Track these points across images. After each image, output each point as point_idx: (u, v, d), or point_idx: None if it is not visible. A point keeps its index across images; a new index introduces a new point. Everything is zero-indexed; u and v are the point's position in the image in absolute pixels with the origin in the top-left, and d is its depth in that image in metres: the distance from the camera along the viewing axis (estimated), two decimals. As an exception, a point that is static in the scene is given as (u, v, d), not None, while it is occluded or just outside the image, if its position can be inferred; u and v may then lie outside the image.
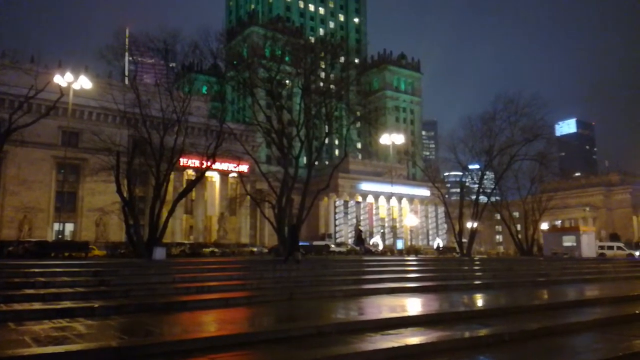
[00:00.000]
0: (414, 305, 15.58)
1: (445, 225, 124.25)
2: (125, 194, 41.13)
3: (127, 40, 58.01)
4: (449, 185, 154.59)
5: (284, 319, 12.87)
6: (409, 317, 12.85)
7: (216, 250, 64.77)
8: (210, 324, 11.99)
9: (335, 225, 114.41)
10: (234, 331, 10.57)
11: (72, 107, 57.32)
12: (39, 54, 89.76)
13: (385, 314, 13.35)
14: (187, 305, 14.13)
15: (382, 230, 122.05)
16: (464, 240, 66.93)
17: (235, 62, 54.02)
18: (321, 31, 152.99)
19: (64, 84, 47.91)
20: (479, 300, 17.52)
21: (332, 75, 54.66)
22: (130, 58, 58.47)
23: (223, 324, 11.89)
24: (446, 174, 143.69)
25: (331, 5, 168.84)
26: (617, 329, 12.44)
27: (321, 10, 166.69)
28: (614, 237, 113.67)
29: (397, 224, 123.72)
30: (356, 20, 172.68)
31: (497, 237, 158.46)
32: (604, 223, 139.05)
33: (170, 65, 50.33)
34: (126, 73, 74.00)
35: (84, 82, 50.45)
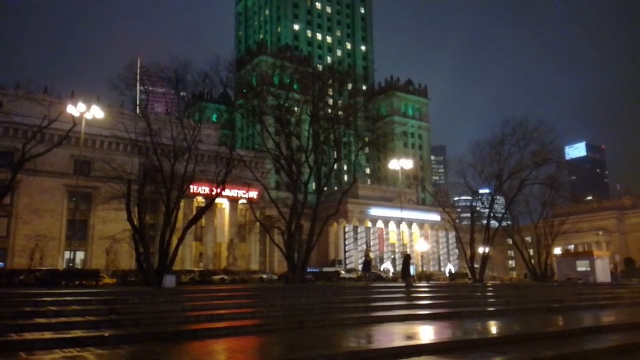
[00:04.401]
0: (426, 333, 15.36)
1: (457, 251, 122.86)
2: (135, 222, 41.29)
3: (138, 70, 59.35)
4: (459, 210, 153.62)
5: (293, 348, 12.75)
6: (421, 345, 12.68)
7: (226, 277, 64.37)
8: (221, 353, 11.91)
9: (345, 251, 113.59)
10: (244, 360, 10.48)
11: (84, 136, 58.16)
12: (52, 84, 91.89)
13: (397, 342, 13.18)
14: (197, 334, 14.06)
15: (392, 256, 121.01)
16: (475, 265, 66.12)
17: (244, 91, 54.83)
18: (329, 59, 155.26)
19: (76, 114, 48.68)
20: (493, 328, 17.24)
21: (340, 102, 55.23)
22: (142, 87, 59.58)
23: (233, 353, 11.80)
24: (456, 198, 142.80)
25: (338, 34, 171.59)
26: (635, 357, 12.18)
27: (328, 39, 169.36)
28: (628, 261, 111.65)
29: (408, 250, 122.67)
30: (363, 48, 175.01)
31: (510, 262, 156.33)
32: (618, 247, 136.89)
33: (181, 94, 51.14)
34: (137, 102, 75.36)
35: (96, 112, 51.31)
